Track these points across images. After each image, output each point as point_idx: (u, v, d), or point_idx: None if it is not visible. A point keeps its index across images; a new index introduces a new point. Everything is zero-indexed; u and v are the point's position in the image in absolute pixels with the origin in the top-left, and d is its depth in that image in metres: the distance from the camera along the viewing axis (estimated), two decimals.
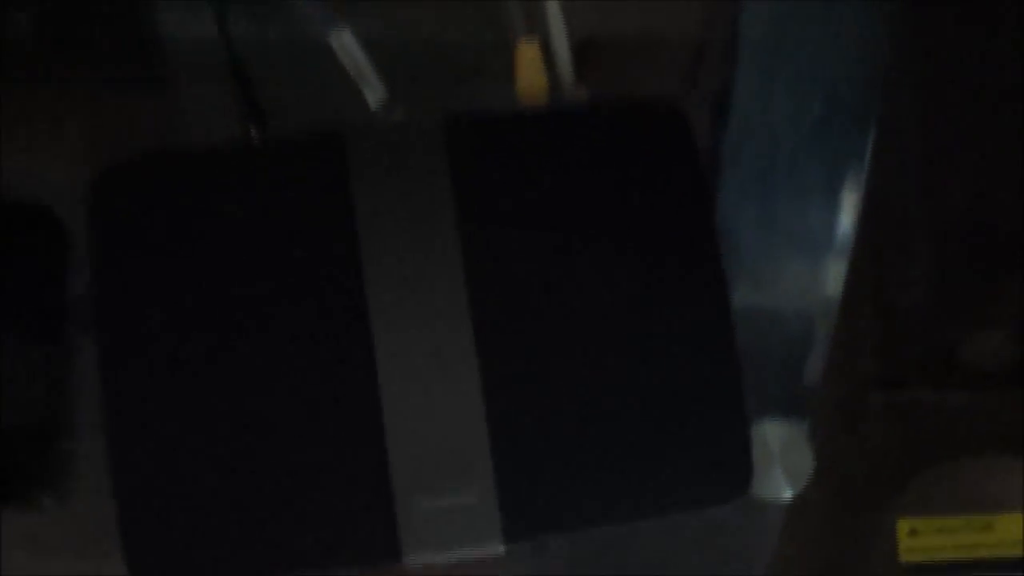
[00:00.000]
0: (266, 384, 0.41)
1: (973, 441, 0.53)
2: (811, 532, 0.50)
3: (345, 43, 0.44)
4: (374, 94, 0.44)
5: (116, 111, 0.49)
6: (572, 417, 0.41)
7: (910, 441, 0.54)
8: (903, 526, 0.48)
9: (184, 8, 0.48)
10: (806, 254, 0.50)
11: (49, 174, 0.47)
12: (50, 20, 0.49)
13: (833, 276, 0.50)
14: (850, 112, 0.49)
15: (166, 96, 0.50)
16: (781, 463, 0.43)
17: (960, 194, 0.55)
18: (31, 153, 0.48)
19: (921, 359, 0.55)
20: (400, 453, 0.41)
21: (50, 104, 0.49)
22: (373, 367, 0.41)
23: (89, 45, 0.49)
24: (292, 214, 0.42)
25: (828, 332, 0.50)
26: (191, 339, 0.41)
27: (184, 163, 0.43)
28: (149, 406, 0.41)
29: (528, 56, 0.45)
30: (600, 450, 0.41)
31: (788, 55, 0.49)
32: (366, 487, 0.41)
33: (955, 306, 0.56)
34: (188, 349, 0.41)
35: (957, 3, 0.53)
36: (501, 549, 0.41)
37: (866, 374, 0.54)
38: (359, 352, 0.41)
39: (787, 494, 0.44)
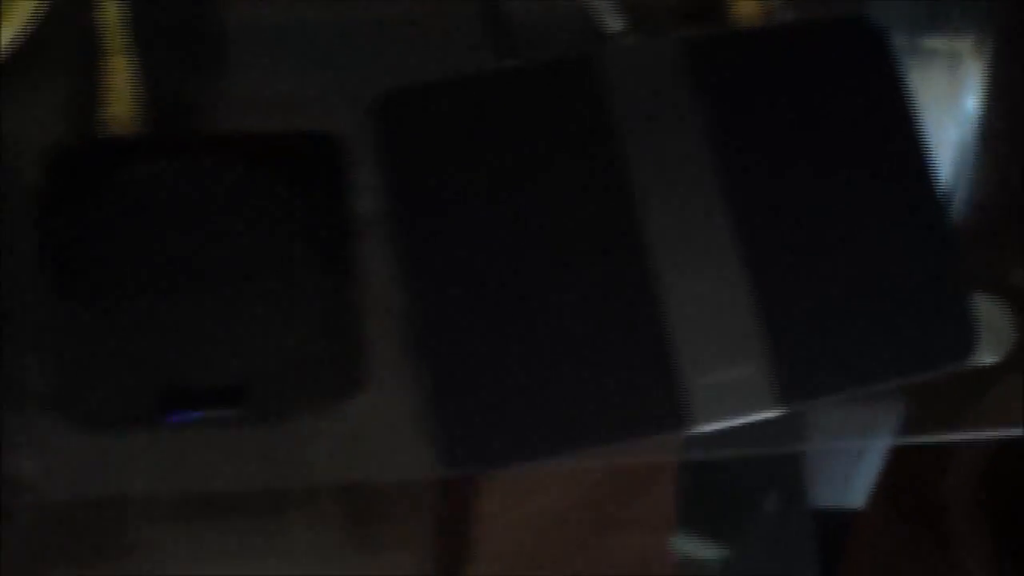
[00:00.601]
0: (554, 280, 0.46)
1: None
2: None
3: None
4: (613, 21, 0.49)
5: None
6: (827, 294, 0.47)
7: None
8: None
9: None
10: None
11: None
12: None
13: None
14: None
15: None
16: (988, 332, 0.50)
17: None
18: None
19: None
20: (679, 335, 0.46)
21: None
22: (649, 263, 0.46)
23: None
24: (556, 128, 0.47)
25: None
26: (485, 240, 0.46)
27: (453, 86, 0.47)
28: (453, 300, 0.46)
29: None
30: (853, 322, 0.47)
31: None
32: (651, 366, 0.46)
33: None
34: (483, 249, 0.46)
35: None
36: (775, 413, 0.46)
37: None
38: (635, 252, 0.46)
39: (993, 359, 0.50)
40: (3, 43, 0.45)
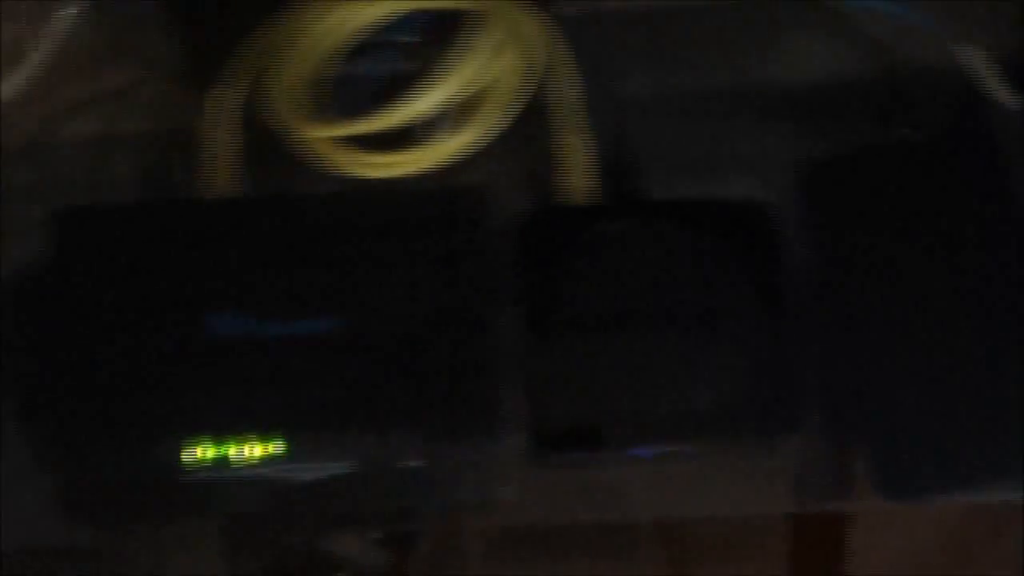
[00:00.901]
0: (954, 325, 0.52)
1: None
2: None
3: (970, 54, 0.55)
4: (995, 87, 0.54)
5: None
6: None
7: None
8: None
9: None
10: None
11: None
12: None
13: None
14: None
15: None
16: None
17: None
18: None
19: None
20: None
21: None
22: None
23: None
24: (951, 190, 0.54)
25: None
26: (898, 290, 0.53)
27: (864, 156, 0.55)
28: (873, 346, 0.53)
29: None
30: None
31: None
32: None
33: None
34: (893, 297, 0.53)
35: None
36: None
37: None
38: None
39: None
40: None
